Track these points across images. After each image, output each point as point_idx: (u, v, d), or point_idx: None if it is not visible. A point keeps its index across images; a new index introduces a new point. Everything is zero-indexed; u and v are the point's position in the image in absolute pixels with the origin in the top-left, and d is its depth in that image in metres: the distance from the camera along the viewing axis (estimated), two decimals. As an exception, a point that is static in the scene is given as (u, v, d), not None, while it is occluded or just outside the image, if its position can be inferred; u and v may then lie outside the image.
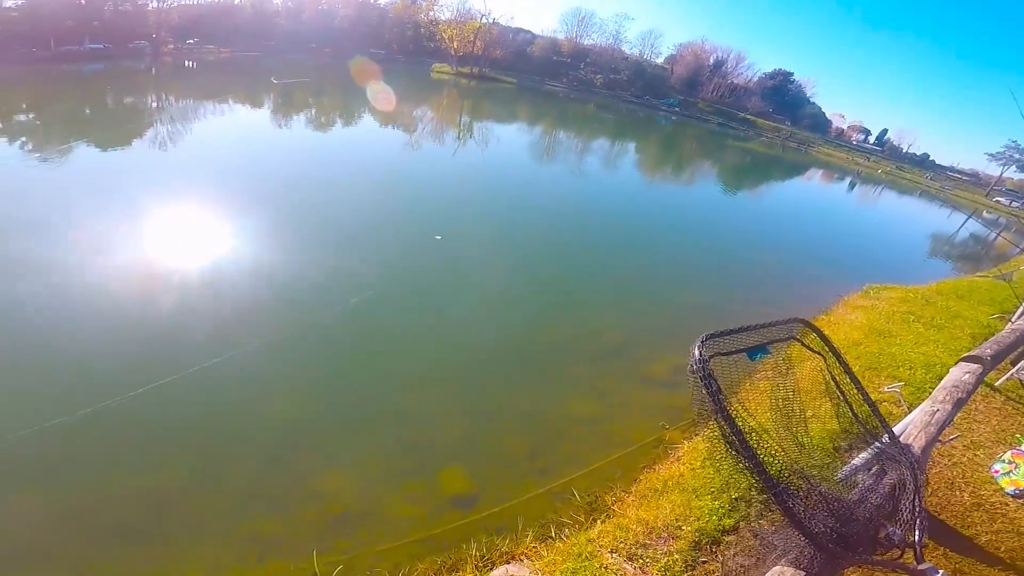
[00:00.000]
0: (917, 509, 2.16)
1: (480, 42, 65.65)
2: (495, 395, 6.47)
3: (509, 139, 30.29)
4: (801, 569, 2.01)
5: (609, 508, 4.59)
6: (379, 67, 38.53)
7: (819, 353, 2.47)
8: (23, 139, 14.10)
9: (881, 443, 2.49)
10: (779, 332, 2.32)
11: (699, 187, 28.58)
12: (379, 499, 4.70)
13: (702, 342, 1.91)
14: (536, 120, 43.10)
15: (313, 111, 26.30)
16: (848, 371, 2.49)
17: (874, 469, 2.41)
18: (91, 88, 24.96)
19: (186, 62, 38.21)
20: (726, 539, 3.89)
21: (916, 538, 2.03)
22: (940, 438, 3.86)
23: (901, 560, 2.03)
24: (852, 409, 2.47)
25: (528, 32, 79.80)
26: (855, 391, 2.51)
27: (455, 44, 63.49)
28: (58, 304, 6.52)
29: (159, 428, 5.06)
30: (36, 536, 4.00)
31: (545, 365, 7.29)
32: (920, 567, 1.94)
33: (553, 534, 4.25)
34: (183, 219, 9.57)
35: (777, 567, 2.03)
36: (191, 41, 42.59)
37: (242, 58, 43.35)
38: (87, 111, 19.73)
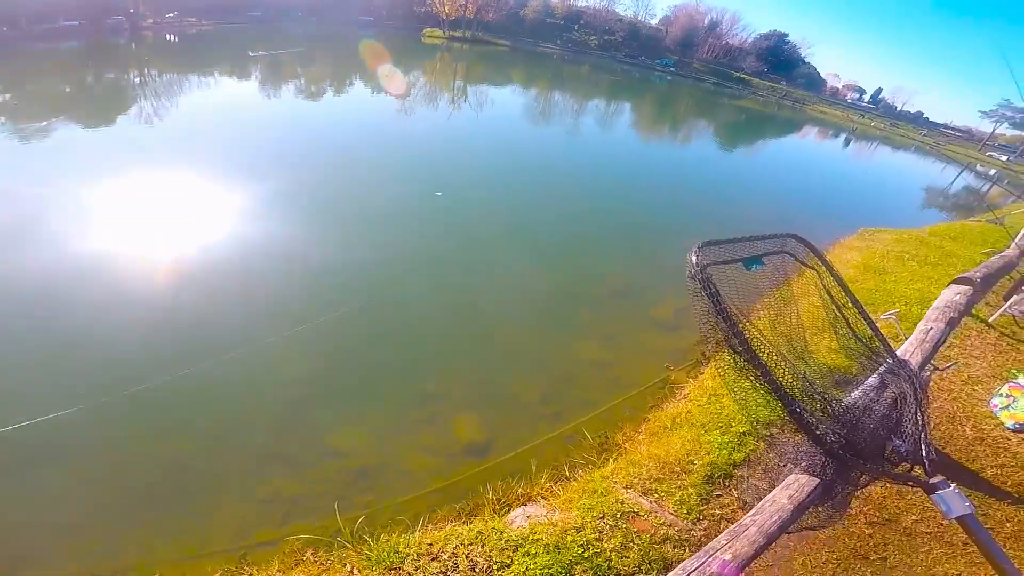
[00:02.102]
0: (920, 422, 2.18)
1: (472, 5, 63.98)
2: (504, 343, 6.60)
3: (504, 101, 29.82)
4: (815, 476, 2.10)
5: (620, 447, 4.73)
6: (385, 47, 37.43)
7: (813, 268, 2.51)
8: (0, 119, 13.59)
9: (881, 359, 2.57)
10: (773, 245, 2.33)
11: (696, 144, 28.41)
12: (395, 452, 4.79)
13: (698, 248, 1.92)
14: (531, 82, 42.24)
15: (301, 81, 25.60)
16: (843, 285, 2.52)
17: (875, 384, 2.43)
18: (68, 66, 24.28)
19: (167, 35, 37.14)
20: (738, 473, 3.99)
21: (924, 452, 2.04)
22: (936, 363, 4.00)
23: (912, 473, 2.05)
24: (850, 325, 2.53)
25: (521, -6, 77.68)
26: (852, 308, 2.58)
27: (446, 8, 61.75)
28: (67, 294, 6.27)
29: (175, 399, 5.03)
30: (62, 506, 4.06)
31: (552, 311, 7.44)
32: (932, 480, 1.96)
33: (567, 474, 4.37)
34: (179, 200, 9.27)
35: (792, 475, 2.13)
36: (171, 14, 41.22)
37: (225, 29, 41.96)
38: (67, 89, 19.22)
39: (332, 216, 9.30)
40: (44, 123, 12.93)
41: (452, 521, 3.85)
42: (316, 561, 3.42)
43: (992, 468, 4.32)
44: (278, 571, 3.39)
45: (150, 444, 4.63)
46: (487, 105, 26.98)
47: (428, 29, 62.66)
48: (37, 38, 28.38)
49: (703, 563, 1.75)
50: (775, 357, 1.96)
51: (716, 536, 1.94)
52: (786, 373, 1.96)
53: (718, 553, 1.78)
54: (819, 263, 2.51)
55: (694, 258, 1.89)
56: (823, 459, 2.11)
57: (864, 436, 2.07)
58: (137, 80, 21.86)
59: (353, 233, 8.70)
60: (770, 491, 3.26)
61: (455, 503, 4.22)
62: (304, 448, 4.76)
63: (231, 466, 4.54)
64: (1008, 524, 3.77)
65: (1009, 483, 4.17)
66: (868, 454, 2.03)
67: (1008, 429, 4.76)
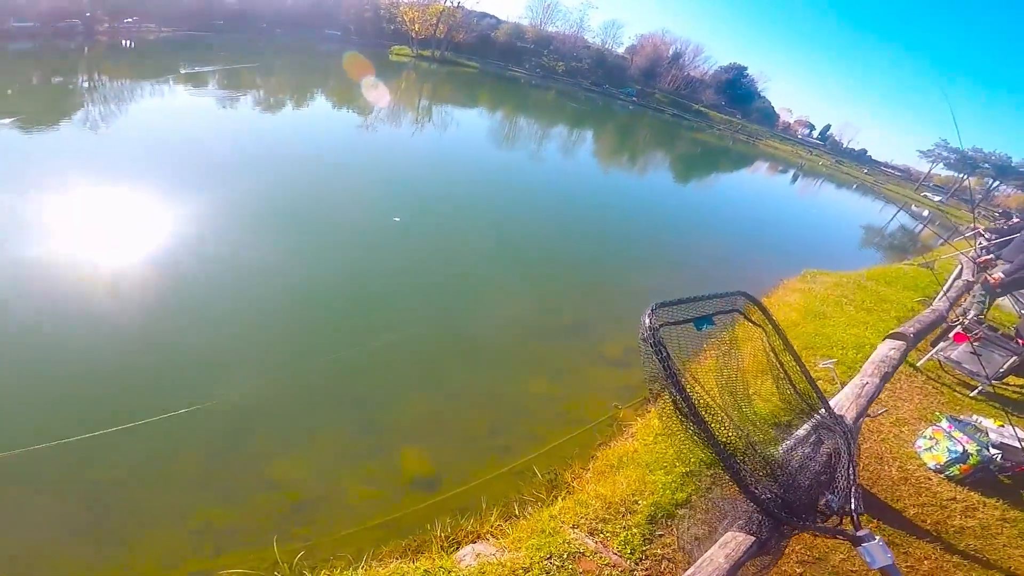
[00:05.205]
0: (852, 477, 2.23)
1: (443, 25, 64.59)
2: (453, 375, 6.52)
3: (470, 123, 30.05)
4: (751, 535, 2.13)
5: (568, 485, 4.73)
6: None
7: (760, 326, 2.57)
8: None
9: (819, 415, 2.68)
10: (723, 304, 2.38)
11: (652, 176, 29.22)
12: (337, 485, 4.64)
13: (652, 311, 1.92)
14: (497, 106, 42.88)
15: (254, 94, 24.82)
16: (787, 344, 2.62)
17: (812, 439, 2.51)
18: (15, 67, 23.16)
19: (123, 41, 35.91)
20: (680, 512, 4.04)
21: (853, 506, 2.09)
22: (869, 411, 4.21)
23: (841, 526, 2.10)
24: (791, 382, 2.64)
25: (493, 17, 79.36)
26: (794, 365, 2.69)
27: (416, 27, 62.03)
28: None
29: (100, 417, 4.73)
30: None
31: (502, 343, 7.42)
32: (859, 533, 2.00)
33: (517, 512, 4.34)
34: (122, 209, 8.86)
35: (730, 532, 2.16)
36: (129, 20, 40.01)
37: (184, 37, 40.91)
38: (8, 91, 18.22)
39: (279, 240, 8.96)
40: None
41: (398, 558, 3.75)
42: (251, 595, 3.24)
43: (914, 507, 4.56)
44: (207, 603, 3.19)
45: (69, 468, 4.30)
46: (451, 126, 27.14)
47: (396, 47, 62.78)
48: (-16, 38, 26.87)
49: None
50: (720, 416, 2.01)
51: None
52: (730, 433, 2.01)
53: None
54: (765, 321, 2.60)
55: (647, 320, 1.88)
56: (760, 517, 2.14)
57: (800, 494, 2.14)
58: (85, 85, 20.94)
59: (302, 257, 8.46)
60: (707, 536, 3.31)
61: (401, 539, 4.11)
62: (240, 477, 4.55)
63: (159, 495, 4.30)
64: (926, 562, 3.96)
65: (928, 521, 4.41)
66: (801, 510, 2.09)
67: (930, 469, 5.08)
